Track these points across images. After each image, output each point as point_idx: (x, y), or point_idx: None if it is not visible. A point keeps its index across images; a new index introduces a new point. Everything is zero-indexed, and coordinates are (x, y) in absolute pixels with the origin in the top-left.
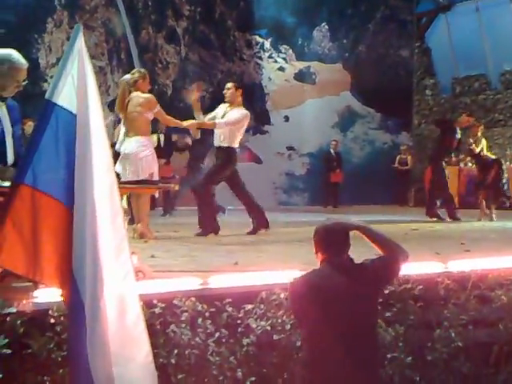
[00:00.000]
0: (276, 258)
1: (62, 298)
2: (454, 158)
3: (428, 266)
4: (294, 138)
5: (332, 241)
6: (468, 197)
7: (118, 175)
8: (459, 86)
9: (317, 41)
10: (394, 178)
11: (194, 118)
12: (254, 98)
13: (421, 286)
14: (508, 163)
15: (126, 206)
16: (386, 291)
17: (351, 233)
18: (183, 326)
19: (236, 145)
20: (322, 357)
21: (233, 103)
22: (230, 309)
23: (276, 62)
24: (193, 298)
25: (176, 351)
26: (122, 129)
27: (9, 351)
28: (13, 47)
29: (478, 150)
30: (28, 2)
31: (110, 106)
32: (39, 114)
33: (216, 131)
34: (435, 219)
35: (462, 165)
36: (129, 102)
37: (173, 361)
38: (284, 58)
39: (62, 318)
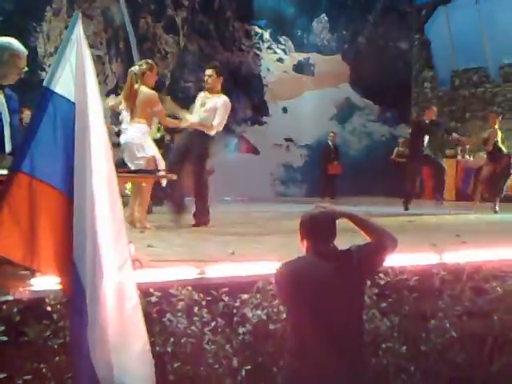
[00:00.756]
0: (273, 249)
1: (61, 286)
2: (451, 151)
3: (423, 258)
4: (292, 129)
5: (318, 229)
6: (465, 189)
7: (124, 163)
8: (458, 78)
9: (316, 32)
10: (391, 170)
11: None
12: (252, 88)
13: (416, 277)
14: None
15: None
16: (382, 282)
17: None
18: (179, 314)
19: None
20: (307, 344)
21: (212, 91)
22: (226, 298)
23: (275, 53)
24: (189, 287)
25: (172, 340)
26: (125, 117)
27: (5, 338)
28: (11, 35)
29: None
30: None
31: (107, 95)
32: (37, 101)
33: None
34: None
35: (459, 157)
36: (136, 92)
37: (169, 349)
38: (283, 49)
39: (58, 306)
